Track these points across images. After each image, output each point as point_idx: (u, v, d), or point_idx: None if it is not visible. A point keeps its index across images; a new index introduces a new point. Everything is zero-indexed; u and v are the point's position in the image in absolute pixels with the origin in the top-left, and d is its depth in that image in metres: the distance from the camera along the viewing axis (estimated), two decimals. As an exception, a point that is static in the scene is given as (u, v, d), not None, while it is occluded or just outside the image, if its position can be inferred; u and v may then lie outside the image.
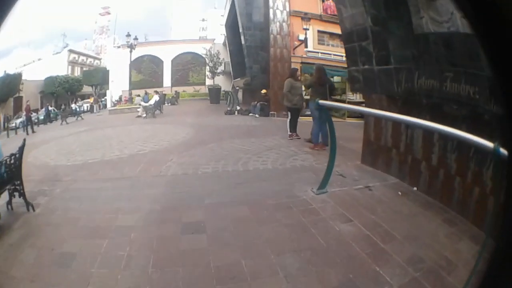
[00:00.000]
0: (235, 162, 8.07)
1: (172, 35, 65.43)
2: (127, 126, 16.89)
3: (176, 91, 40.49)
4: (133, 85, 37.30)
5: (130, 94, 31.55)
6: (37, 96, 39.66)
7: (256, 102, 19.76)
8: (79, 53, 59.43)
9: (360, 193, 5.76)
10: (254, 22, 22.07)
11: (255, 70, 21.71)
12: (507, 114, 1.04)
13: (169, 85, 43.66)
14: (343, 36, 8.51)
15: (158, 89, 33.47)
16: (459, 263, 3.48)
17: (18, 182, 5.55)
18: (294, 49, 20.11)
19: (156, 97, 22.30)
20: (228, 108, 21.69)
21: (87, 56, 63.23)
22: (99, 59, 66.23)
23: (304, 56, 20.37)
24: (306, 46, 19.90)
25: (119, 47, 43.24)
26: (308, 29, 19.22)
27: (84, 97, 44.06)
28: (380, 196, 5.59)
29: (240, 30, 22.71)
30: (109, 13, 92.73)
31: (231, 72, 34.66)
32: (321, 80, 9.44)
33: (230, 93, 29.30)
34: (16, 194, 5.49)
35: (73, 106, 33.43)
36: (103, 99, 44.12)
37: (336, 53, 20.39)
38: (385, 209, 5.05)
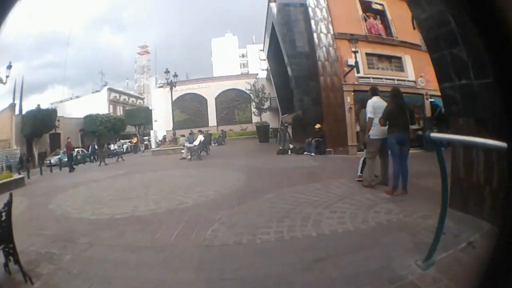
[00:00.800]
0: (303, 222, 6.07)
1: (213, 73, 65.96)
2: (170, 170, 15.56)
3: (222, 130, 40.10)
4: (177, 125, 36.38)
5: (174, 134, 30.02)
6: (77, 134, 41.05)
7: (310, 139, 17.95)
8: (120, 92, 61.40)
9: (467, 256, 4.11)
10: (299, 49, 20.46)
11: (306, 102, 19.80)
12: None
13: (215, 124, 44.69)
14: (426, 43, 6.67)
15: (203, 129, 32.47)
16: None
17: (11, 245, 4.46)
18: (344, 76, 18.25)
19: (201, 137, 20.84)
20: (280, 147, 19.91)
21: (129, 95, 65.55)
22: (142, 99, 67.77)
23: (356, 83, 18.47)
24: (358, 71, 17.99)
25: (161, 86, 45.05)
26: (357, 52, 17.21)
27: (128, 136, 45.69)
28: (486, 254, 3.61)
29: (285, 60, 21.24)
30: (148, 52, 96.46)
31: (278, 108, 32.82)
32: (400, 107, 7.71)
33: (279, 130, 27.74)
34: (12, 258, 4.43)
35: (111, 146, 32.69)
36: (147, 139, 45.59)
37: (387, 76, 18.79)
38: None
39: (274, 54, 27.67)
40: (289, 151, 19.10)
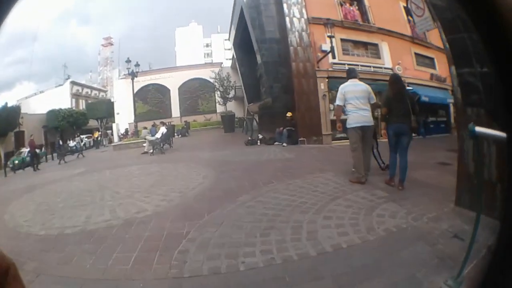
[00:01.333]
0: (295, 234, 4.80)
1: (177, 63, 63.90)
2: (130, 167, 13.80)
3: (186, 121, 38.75)
4: (139, 117, 35.00)
5: (136, 126, 28.40)
6: (41, 131, 38.46)
7: (281, 128, 16.70)
8: (83, 85, 58.32)
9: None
10: (269, 34, 19.11)
11: (276, 90, 18.53)
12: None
13: (178, 115, 43.02)
14: (442, 25, 5.81)
15: (166, 120, 30.85)
16: None
17: None
18: (318, 61, 17.17)
19: (163, 129, 19.30)
20: (249, 138, 18.45)
21: (91, 88, 62.51)
22: (105, 91, 65.18)
23: (330, 69, 17.42)
24: (334, 57, 16.85)
25: (123, 77, 42.76)
26: (333, 37, 16.10)
27: (91, 131, 43.20)
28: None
29: (254, 45, 19.81)
30: (111, 44, 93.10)
31: (245, 96, 31.57)
32: (400, 95, 6.94)
33: (245, 120, 26.38)
34: None
35: (71, 142, 30.53)
36: (110, 133, 43.24)
37: (363, 63, 17.98)
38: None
39: (241, 40, 26.30)
40: (258, 141, 17.83)
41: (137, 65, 29.39)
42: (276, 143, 16.79)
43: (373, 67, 18.18)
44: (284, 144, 15.96)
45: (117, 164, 15.48)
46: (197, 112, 43.24)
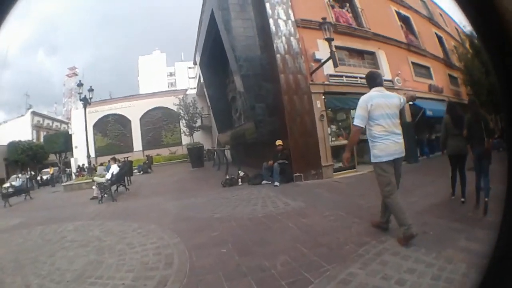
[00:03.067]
0: None
1: (140, 92, 59.22)
2: (67, 224, 9.39)
3: (147, 156, 34.12)
4: (99, 151, 34.50)
5: (89, 163, 23.85)
6: (2, 163, 37.18)
7: (271, 162, 12.61)
8: (44, 116, 53.42)
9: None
10: (248, 40, 14.77)
11: (260, 111, 14.10)
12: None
13: (140, 148, 39.19)
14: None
15: (128, 155, 29.67)
16: None
17: None
18: (311, 73, 13.35)
19: (114, 168, 14.60)
20: (227, 177, 13.67)
21: (53, 119, 57.46)
22: (67, 123, 59.67)
23: (327, 82, 13.77)
24: (335, 65, 12.82)
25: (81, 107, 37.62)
26: (332, 40, 12.20)
27: (53, 165, 39.29)
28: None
29: (229, 55, 15.42)
30: (76, 74, 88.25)
31: (213, 125, 27.46)
32: (478, 117, 6.57)
33: (215, 152, 22.02)
34: None
35: (17, 180, 24.18)
36: (67, 170, 39.02)
37: (362, 74, 14.17)
38: None
39: (210, 57, 22.20)
40: (239, 180, 13.41)
41: (90, 90, 24.62)
42: (264, 182, 12.68)
43: None
44: (277, 184, 11.87)
45: (57, 216, 11.24)
46: (161, 145, 39.61)
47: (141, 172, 26.89)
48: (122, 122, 39.76)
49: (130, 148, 38.37)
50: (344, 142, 13.04)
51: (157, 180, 20.28)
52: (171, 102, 34.90)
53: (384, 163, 5.15)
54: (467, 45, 20.38)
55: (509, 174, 1.10)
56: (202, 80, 26.61)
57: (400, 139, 5.26)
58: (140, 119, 39.61)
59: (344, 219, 6.59)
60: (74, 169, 35.60)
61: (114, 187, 14.32)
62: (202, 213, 8.65)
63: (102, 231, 7.97)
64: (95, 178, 15.26)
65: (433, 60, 19.29)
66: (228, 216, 7.89)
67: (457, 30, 22.91)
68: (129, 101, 40.19)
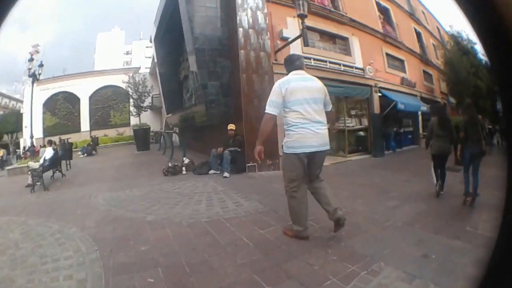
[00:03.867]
0: None
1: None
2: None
3: (94, 136, 31.25)
4: (47, 131, 31.71)
5: (32, 144, 22.57)
6: None
7: (221, 149, 10.75)
8: (2, 95, 49.66)
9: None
10: (208, 11, 12.61)
11: (213, 90, 12.04)
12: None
13: (88, 128, 35.66)
14: None
15: (73, 135, 28.48)
16: None
17: None
18: (276, 52, 11.66)
19: (48, 152, 12.38)
20: (169, 164, 11.60)
21: (10, 98, 53.22)
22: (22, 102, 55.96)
23: None
24: (306, 44, 11.23)
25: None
26: (306, 16, 10.32)
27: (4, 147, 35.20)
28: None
29: (184, 27, 13.27)
30: (38, 52, 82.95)
31: (163, 105, 24.89)
32: (474, 119, 6.82)
33: (162, 134, 19.98)
34: None
35: None
36: (18, 151, 35.26)
37: (331, 59, 13.53)
38: None
39: (166, 33, 19.99)
40: (184, 169, 11.39)
41: (40, 65, 22.99)
42: (212, 171, 10.80)
43: (343, 64, 13.88)
44: (226, 175, 10.05)
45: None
46: (108, 125, 36.42)
47: (85, 155, 24.32)
48: (71, 100, 36.49)
49: (77, 128, 35.30)
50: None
51: (98, 164, 17.97)
52: (122, 81, 32.28)
53: (295, 156, 4.39)
54: (451, 45, 20.04)
55: (509, 174, 1.05)
56: (155, 59, 24.46)
57: (322, 129, 4.46)
58: (90, 98, 36.56)
59: (314, 231, 4.89)
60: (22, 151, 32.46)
61: (51, 173, 12.45)
62: (133, 212, 6.77)
63: (23, 232, 6.16)
64: (29, 164, 13.05)
65: (408, 54, 18.52)
66: (164, 220, 6.02)
67: (438, 29, 22.80)
68: (79, 78, 37.03)
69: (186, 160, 11.61)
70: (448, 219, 5.54)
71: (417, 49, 19.62)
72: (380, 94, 14.91)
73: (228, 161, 10.16)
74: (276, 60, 11.34)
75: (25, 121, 33.16)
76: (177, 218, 6.03)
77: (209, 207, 6.61)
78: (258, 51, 11.15)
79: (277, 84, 4.49)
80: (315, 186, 4.66)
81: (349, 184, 8.73)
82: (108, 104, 36.63)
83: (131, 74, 28.88)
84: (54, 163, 12.61)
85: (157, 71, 23.85)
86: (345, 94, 13.96)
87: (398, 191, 7.55)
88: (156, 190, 8.78)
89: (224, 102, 11.99)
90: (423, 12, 21.94)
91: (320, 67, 12.58)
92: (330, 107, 4.73)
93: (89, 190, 9.75)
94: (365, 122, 15.07)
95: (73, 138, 28.08)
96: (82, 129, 35.50)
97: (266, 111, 4.45)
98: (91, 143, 27.97)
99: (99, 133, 33.36)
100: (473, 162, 6.59)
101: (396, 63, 17.33)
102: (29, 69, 21.72)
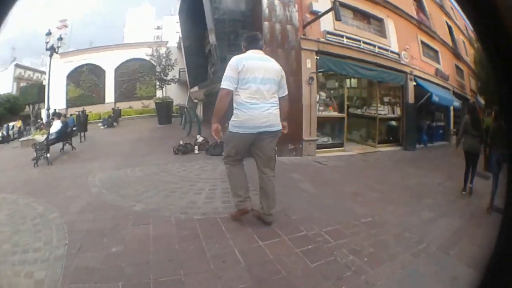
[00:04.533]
0: None
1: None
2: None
3: (114, 108, 30.61)
4: (70, 102, 30.38)
5: (48, 116, 21.53)
6: None
7: None
8: (26, 68, 49.87)
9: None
10: None
11: None
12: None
13: (112, 100, 34.02)
14: None
15: (98, 106, 28.15)
16: None
17: None
18: (305, 26, 10.33)
19: (56, 125, 11.85)
20: (181, 142, 10.57)
21: (35, 70, 53.44)
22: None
23: (322, 40, 10.74)
24: (338, 18, 9.70)
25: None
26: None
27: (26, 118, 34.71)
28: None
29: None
30: (66, 26, 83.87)
31: (187, 79, 24.70)
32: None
33: (185, 109, 19.38)
34: None
35: None
36: (39, 121, 35.16)
37: (366, 39, 12.06)
38: None
39: (191, 5, 19.67)
40: (196, 148, 10.37)
41: (60, 39, 22.57)
42: (225, 153, 9.60)
43: (378, 46, 12.33)
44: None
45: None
46: (134, 98, 35.33)
47: (105, 126, 24.13)
48: (96, 72, 34.71)
49: (102, 100, 33.68)
50: (334, 114, 11.03)
51: (115, 137, 17.86)
52: (145, 54, 31.95)
53: (239, 135, 4.28)
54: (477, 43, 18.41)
55: (509, 173, 1.04)
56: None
57: (272, 109, 4.31)
58: (116, 70, 34.95)
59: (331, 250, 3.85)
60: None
61: (60, 146, 11.80)
62: (124, 198, 5.90)
63: (8, 214, 5.67)
64: (36, 137, 13.01)
65: (442, 45, 16.85)
66: (151, 212, 5.09)
67: (466, 28, 20.89)
68: (105, 51, 35.75)
69: (200, 139, 10.61)
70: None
71: (449, 42, 17.99)
72: (414, 83, 13.43)
73: (245, 143, 9.11)
74: (304, 35, 10.15)
75: (48, 92, 34.21)
76: (168, 211, 5.09)
77: (208, 200, 5.59)
78: (284, 23, 9.96)
79: (234, 59, 4.31)
80: (264, 179, 4.47)
81: (379, 181, 7.64)
82: (134, 76, 36.18)
83: (154, 47, 28.39)
84: (62, 136, 11.92)
85: (182, 44, 23.25)
86: (379, 79, 12.60)
87: (433, 198, 6.61)
88: (159, 172, 7.88)
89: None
90: (452, 8, 20.46)
91: (353, 46, 11.30)
92: (285, 92, 4.55)
93: (91, 167, 8.99)
94: (398, 111, 13.64)
95: (97, 109, 28.51)
96: (107, 100, 33.96)
97: (221, 86, 4.26)
98: (112, 115, 27.86)
99: (124, 105, 32.54)
100: (499, 165, 6.26)
101: (430, 52, 15.92)
102: (47, 42, 20.97)
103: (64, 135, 12.10)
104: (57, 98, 29.82)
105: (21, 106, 36.53)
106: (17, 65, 45.44)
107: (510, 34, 0.88)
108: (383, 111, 13.41)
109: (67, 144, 12.28)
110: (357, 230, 4.38)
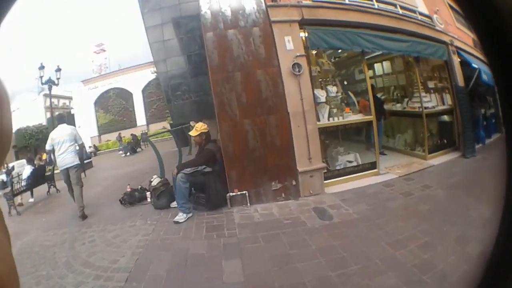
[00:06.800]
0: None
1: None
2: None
3: (142, 132, 28.08)
4: (103, 129, 31.00)
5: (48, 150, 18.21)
6: (12, 151, 29.25)
7: (175, 171, 5.65)
8: (57, 96, 49.07)
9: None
10: None
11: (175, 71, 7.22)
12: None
13: (144, 122, 33.36)
14: None
15: (131, 130, 26.70)
16: None
17: None
18: None
19: (26, 171, 10.07)
20: (128, 189, 7.13)
21: (66, 98, 52.70)
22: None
23: (307, 2, 6.42)
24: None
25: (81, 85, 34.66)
26: None
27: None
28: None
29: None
30: (104, 50, 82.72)
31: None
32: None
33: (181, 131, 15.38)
34: None
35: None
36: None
37: None
38: None
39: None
40: (148, 195, 6.78)
41: (58, 70, 19.22)
42: (174, 203, 5.73)
43: (400, 6, 7.83)
44: (179, 218, 5.18)
45: None
46: (165, 118, 33.08)
47: (127, 154, 21.58)
48: (123, 95, 34.43)
49: (133, 123, 32.96)
50: (355, 118, 6.91)
51: (118, 170, 14.60)
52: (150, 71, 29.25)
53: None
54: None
55: (509, 172, 0.90)
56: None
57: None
58: (143, 91, 34.14)
59: None
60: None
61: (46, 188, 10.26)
62: None
63: None
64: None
65: None
66: None
67: None
68: (129, 72, 34.75)
69: (156, 181, 6.73)
70: None
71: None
72: (459, 60, 8.52)
73: (183, 191, 5.22)
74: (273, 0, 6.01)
75: (78, 122, 31.73)
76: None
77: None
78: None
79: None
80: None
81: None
82: (162, 96, 33.67)
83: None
84: (36, 182, 10.06)
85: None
86: (414, 53, 7.94)
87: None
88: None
89: (193, 86, 7.01)
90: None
91: (364, 7, 6.97)
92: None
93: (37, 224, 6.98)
94: (449, 100, 8.61)
95: (131, 133, 27.06)
96: (138, 123, 33.34)
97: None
98: (131, 140, 25.54)
99: (157, 126, 30.51)
100: None
101: (462, 20, 10.80)
102: (41, 77, 18.30)
103: (37, 180, 10.16)
104: (87, 126, 30.01)
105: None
106: (46, 95, 44.41)
107: (510, 34, 0.80)
108: (430, 102, 8.45)
109: (51, 187, 10.40)
110: None
